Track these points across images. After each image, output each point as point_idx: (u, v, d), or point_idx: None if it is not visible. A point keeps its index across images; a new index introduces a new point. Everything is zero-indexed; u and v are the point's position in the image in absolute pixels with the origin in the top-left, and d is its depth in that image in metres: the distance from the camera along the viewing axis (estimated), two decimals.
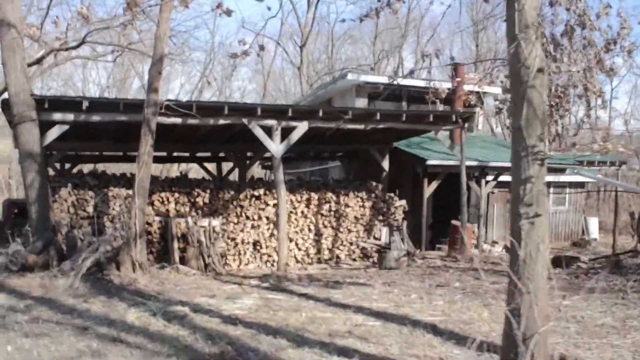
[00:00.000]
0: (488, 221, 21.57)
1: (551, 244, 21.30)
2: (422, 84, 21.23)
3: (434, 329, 8.01)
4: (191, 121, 12.82)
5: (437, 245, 18.86)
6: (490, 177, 19.12)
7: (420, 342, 7.36)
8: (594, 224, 26.62)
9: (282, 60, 52.01)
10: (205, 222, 13.74)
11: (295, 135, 13.61)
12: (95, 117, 12.16)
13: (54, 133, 11.98)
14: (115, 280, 10.02)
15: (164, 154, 18.57)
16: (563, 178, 23.72)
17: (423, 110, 15.98)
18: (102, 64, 41.38)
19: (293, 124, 13.60)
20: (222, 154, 19.42)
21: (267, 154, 18.30)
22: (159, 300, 8.78)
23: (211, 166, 21.31)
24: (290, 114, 13.24)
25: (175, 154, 18.97)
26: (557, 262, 13.66)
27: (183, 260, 13.10)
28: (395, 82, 20.21)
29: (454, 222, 18.27)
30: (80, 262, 9.69)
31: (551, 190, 24.07)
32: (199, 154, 19.30)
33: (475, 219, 20.64)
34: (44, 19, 22.19)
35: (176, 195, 14.34)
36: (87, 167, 19.12)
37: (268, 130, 13.42)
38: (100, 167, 20.24)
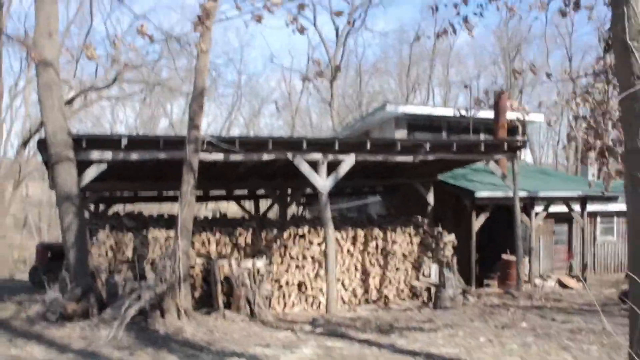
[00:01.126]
0: (533, 254, 20.57)
1: (600, 276, 20.21)
2: (462, 113, 20.62)
3: None
4: (233, 157, 12.23)
5: (485, 281, 17.91)
6: (539, 208, 18.24)
7: None
8: None
9: (307, 96, 51.72)
10: (249, 263, 13.02)
11: (342, 170, 12.94)
12: (134, 155, 11.62)
13: (91, 173, 11.45)
14: (160, 330, 9.30)
15: (199, 192, 18.00)
16: (610, 207, 22.68)
17: (473, 140, 15.26)
18: (130, 105, 41.57)
19: (339, 157, 12.95)
20: (259, 192, 18.84)
21: (308, 191, 17.70)
22: (211, 352, 8.04)
23: (248, 204, 20.68)
24: (337, 147, 12.59)
25: (210, 192, 18.40)
26: (627, 297, 12.65)
27: (227, 305, 12.36)
28: (462, 114, 19.69)
29: (505, 256, 17.37)
30: (123, 311, 9.01)
31: (598, 220, 23.03)
32: (236, 192, 18.70)
33: (524, 253, 19.71)
34: (78, 57, 22.01)
35: (217, 235, 13.68)
36: (120, 209, 18.59)
37: (313, 165, 12.78)
38: (135, 208, 19.72)
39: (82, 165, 11.29)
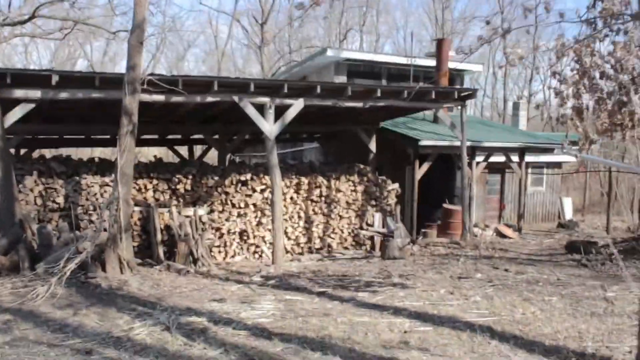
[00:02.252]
0: (472, 204, 20.75)
1: (530, 226, 20.65)
2: (402, 60, 20.21)
3: (492, 333, 6.95)
4: (175, 98, 11.31)
5: (423, 230, 17.87)
6: (480, 158, 18.26)
7: (489, 352, 6.26)
8: (568, 204, 26.27)
9: (231, 41, 49.81)
10: (190, 211, 12.29)
11: (290, 114, 12.27)
12: (65, 94, 10.50)
13: (17, 113, 10.27)
14: (103, 284, 8.52)
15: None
16: (542, 158, 23.13)
17: (426, 87, 14.83)
18: (44, 45, 38.74)
19: (287, 101, 12.25)
20: (194, 136, 17.88)
21: (248, 136, 16.95)
22: (165, 309, 7.36)
23: (181, 151, 19.63)
24: (285, 90, 11.86)
25: (142, 136, 17.22)
26: (573, 247, 12.83)
27: (167, 256, 11.64)
28: (410, 62, 19.16)
29: (446, 205, 17.34)
30: (63, 264, 8.14)
31: (529, 171, 23.45)
32: (170, 137, 17.63)
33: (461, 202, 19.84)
34: None
35: (154, 182, 12.79)
36: (45, 153, 17.13)
37: (260, 109, 12.04)
38: (60, 152, 18.35)
39: (6, 104, 10.10)
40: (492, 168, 20.61)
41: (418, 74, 20.51)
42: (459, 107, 14.72)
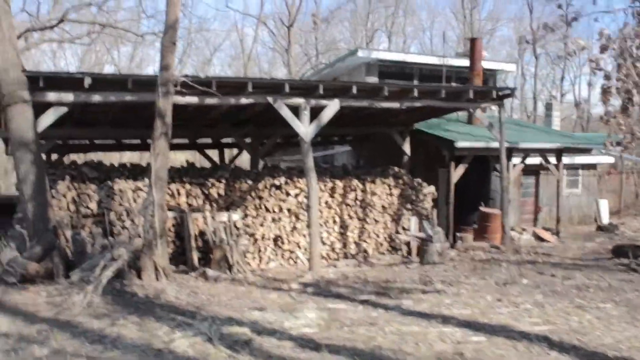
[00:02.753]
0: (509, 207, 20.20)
1: (566, 229, 19.99)
2: (435, 60, 19.79)
3: (549, 343, 6.56)
4: (209, 100, 11.05)
5: (458, 234, 17.38)
6: (516, 160, 17.76)
7: None
8: (604, 206, 25.55)
9: (257, 45, 49.56)
10: (224, 216, 12.01)
11: (326, 115, 11.94)
12: (98, 97, 10.30)
13: (50, 116, 10.10)
14: (139, 292, 8.25)
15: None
16: (577, 160, 22.52)
17: (462, 86, 14.42)
18: (71, 50, 38.92)
19: (323, 102, 11.93)
20: (225, 140, 17.65)
21: (280, 140, 16.64)
22: (205, 319, 7.06)
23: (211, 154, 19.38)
24: (320, 91, 11.54)
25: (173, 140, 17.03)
26: (620, 252, 12.30)
27: (202, 262, 11.38)
28: (442, 61, 18.79)
29: (483, 208, 16.86)
30: (99, 272, 7.89)
31: (565, 172, 22.83)
32: (200, 141, 17.41)
33: (498, 205, 19.34)
34: None
35: (187, 186, 12.55)
36: (76, 158, 17.04)
37: (295, 110, 11.74)
38: (91, 157, 18.24)
39: (39, 108, 9.92)
40: (527, 170, 20.03)
41: (450, 74, 20.10)
42: (496, 107, 14.26)
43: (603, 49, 10.17)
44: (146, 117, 13.31)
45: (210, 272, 10.12)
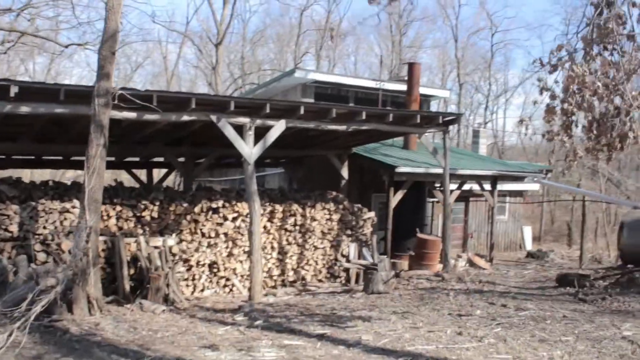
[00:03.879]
0: (433, 233, 20.17)
1: (495, 254, 20.18)
2: (371, 84, 19.65)
3: None
4: (148, 116, 10.24)
5: (392, 260, 17.10)
6: (453, 186, 17.73)
7: None
8: (527, 233, 26.17)
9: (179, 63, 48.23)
10: (158, 241, 11.14)
11: (271, 136, 11.36)
12: (26, 109, 9.28)
13: None
14: (72, 328, 7.32)
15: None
16: (505, 187, 22.90)
17: (409, 111, 14.20)
18: None
19: (269, 122, 11.35)
20: (158, 159, 16.70)
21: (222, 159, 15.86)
22: None
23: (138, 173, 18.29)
24: (267, 110, 10.96)
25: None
26: (565, 281, 12.29)
27: (133, 291, 10.44)
28: (378, 85, 18.54)
29: (421, 235, 16.65)
30: (25, 306, 6.92)
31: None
32: (128, 159, 16.33)
33: (430, 231, 19.27)
34: None
35: (118, 208, 11.57)
36: None
37: (238, 130, 11.09)
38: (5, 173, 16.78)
39: None
40: (456, 197, 20.14)
41: (385, 98, 19.98)
42: (440, 132, 14.14)
43: (553, 68, 10.14)
44: (73, 133, 12.34)
45: (146, 303, 9.24)
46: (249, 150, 11.06)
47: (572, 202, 30.30)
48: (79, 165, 16.20)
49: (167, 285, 10.21)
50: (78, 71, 58.66)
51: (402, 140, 18.83)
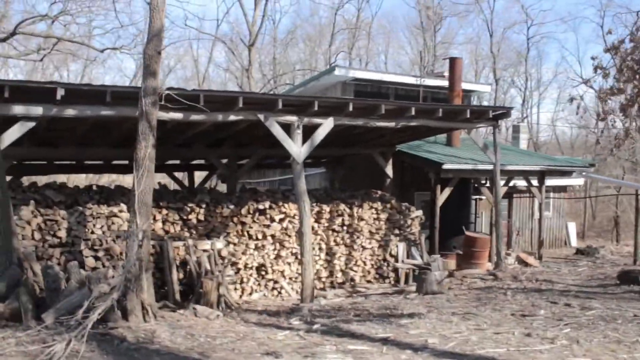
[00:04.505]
0: (477, 231, 19.61)
1: (541, 251, 19.56)
2: (411, 80, 19.22)
3: None
4: (195, 117, 10.00)
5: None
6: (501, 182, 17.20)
7: None
8: (572, 229, 25.44)
9: (210, 66, 48.17)
10: (206, 244, 10.91)
11: (319, 135, 11.06)
12: (71, 111, 9.11)
13: (14, 133, 8.84)
14: (128, 336, 7.05)
15: (126, 161, 15.44)
16: (549, 182, 22.23)
17: (459, 105, 13.78)
18: (16, 70, 36.75)
19: (316, 120, 11.04)
20: (199, 162, 16.50)
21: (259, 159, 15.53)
22: None
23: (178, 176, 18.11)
24: (315, 107, 10.64)
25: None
26: (627, 278, 11.73)
27: (185, 296, 10.21)
28: (419, 82, 18.16)
29: (470, 233, 16.19)
30: (81, 313, 6.68)
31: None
32: (168, 162, 16.12)
33: (475, 229, 18.74)
34: None
35: (164, 211, 11.38)
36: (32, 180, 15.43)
37: (285, 129, 10.79)
38: (48, 179, 16.76)
39: (2, 123, 8.67)
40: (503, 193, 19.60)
41: (426, 94, 19.54)
42: (491, 128, 13.66)
43: (612, 48, 9.67)
44: (114, 136, 12.18)
45: (200, 308, 8.97)
46: (298, 149, 10.74)
47: (617, 196, 29.47)
48: (119, 170, 16.12)
49: (219, 289, 9.94)
50: (110, 77, 58.94)
51: (445, 137, 18.36)
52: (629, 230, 26.03)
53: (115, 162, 15.27)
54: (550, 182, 22.12)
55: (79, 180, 28.36)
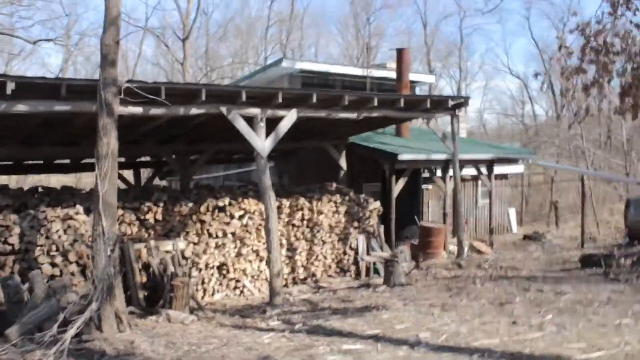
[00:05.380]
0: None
1: (492, 239, 19.90)
2: (358, 72, 19.08)
3: None
4: (155, 111, 9.42)
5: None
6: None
7: None
8: (512, 215, 26.01)
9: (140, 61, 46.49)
10: (168, 245, 10.36)
11: (283, 128, 10.67)
12: (22, 107, 8.36)
13: None
14: (107, 350, 6.50)
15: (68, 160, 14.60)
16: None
17: (420, 95, 13.66)
18: None
19: (280, 112, 10.65)
20: (144, 159, 15.78)
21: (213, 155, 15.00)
22: None
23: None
24: (280, 99, 10.26)
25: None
26: (589, 262, 11.96)
27: (148, 301, 9.65)
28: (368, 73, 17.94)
29: (425, 223, 16.20)
30: (56, 328, 6.10)
31: (479, 183, 22.83)
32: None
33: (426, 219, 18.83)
34: None
35: (120, 212, 10.69)
36: None
37: (249, 122, 10.36)
38: None
39: None
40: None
41: (372, 86, 19.44)
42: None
43: (578, 29, 9.75)
44: (60, 134, 11.43)
45: (173, 313, 8.46)
46: (262, 143, 10.34)
47: (552, 182, 30.35)
48: (61, 169, 15.26)
49: (188, 292, 9.44)
50: (32, 72, 56.11)
51: (394, 128, 18.30)
52: (563, 215, 26.81)
53: (57, 161, 14.41)
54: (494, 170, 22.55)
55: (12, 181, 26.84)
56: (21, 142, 11.47)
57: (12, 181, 25.77)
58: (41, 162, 14.15)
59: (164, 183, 23.18)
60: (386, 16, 54.67)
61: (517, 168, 24.67)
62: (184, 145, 13.35)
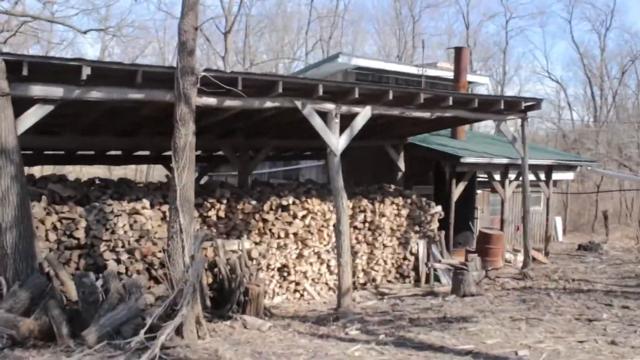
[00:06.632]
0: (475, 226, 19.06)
1: (547, 248, 19.17)
2: (413, 70, 18.48)
3: None
4: (229, 102, 8.97)
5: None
6: (511, 177, 16.63)
7: None
8: (559, 224, 25.24)
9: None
10: (234, 245, 9.87)
11: (357, 125, 10.16)
12: (96, 94, 7.94)
13: (31, 117, 7.65)
14: (191, 357, 6.03)
15: (119, 152, 14.22)
16: (542, 177, 21.84)
17: (494, 96, 13.06)
18: None
19: (355, 109, 10.13)
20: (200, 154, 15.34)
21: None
22: None
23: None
24: (356, 94, 9.74)
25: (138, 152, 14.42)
26: None
27: (215, 304, 9.17)
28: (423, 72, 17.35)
29: (484, 229, 15.55)
30: (142, 333, 5.63)
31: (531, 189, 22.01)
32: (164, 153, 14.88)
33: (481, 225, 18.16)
34: None
35: None
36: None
37: (323, 117, 9.86)
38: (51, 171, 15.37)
39: (19, 104, 7.45)
40: (494, 188, 19.07)
41: (426, 85, 18.82)
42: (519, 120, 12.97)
43: None
44: (124, 123, 11.06)
45: (249, 319, 7.98)
46: (336, 140, 9.83)
47: (613, 192, 29.49)
48: (112, 161, 14.91)
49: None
50: None
51: (450, 130, 17.67)
52: (612, 225, 25.96)
53: (110, 153, 14.06)
54: (543, 176, 21.78)
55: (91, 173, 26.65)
56: (77, 131, 11.09)
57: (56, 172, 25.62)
58: (92, 152, 13.76)
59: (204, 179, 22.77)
60: (427, 15, 53.86)
61: (566, 175, 23.89)
62: (243, 140, 12.89)
